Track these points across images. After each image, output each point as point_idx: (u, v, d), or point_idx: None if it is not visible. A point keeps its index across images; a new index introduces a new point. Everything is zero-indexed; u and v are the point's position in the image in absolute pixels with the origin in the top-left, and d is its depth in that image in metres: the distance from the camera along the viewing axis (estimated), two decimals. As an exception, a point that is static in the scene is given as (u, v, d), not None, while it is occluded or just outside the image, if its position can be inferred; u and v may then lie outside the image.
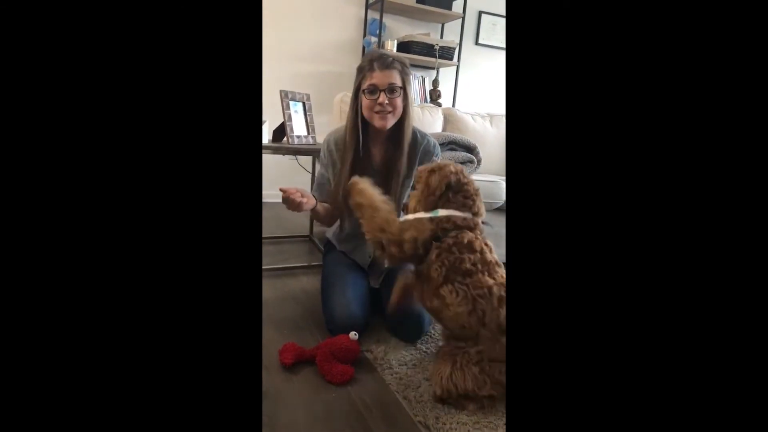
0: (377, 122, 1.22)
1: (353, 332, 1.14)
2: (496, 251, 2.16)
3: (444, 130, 2.34)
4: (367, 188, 1.07)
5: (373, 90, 1.19)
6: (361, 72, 1.22)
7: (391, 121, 1.23)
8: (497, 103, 3.69)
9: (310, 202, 1.21)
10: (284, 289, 1.60)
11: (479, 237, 1.01)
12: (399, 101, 1.21)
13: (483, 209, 1.06)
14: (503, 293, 0.95)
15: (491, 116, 2.49)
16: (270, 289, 1.58)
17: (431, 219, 1.00)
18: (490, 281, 0.96)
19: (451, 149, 2.02)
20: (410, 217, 1.03)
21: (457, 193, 1.03)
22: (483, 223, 1.07)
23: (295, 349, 1.11)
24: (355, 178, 1.12)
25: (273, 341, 1.19)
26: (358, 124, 1.25)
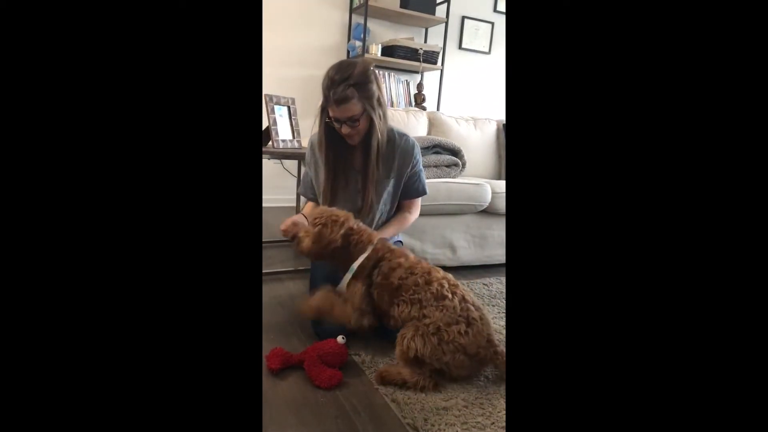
0: (347, 140, 1.30)
1: (341, 336, 1.14)
2: (480, 252, 2.17)
3: (429, 133, 2.36)
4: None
5: (336, 120, 1.24)
6: (324, 97, 1.23)
7: (357, 139, 1.29)
8: (481, 107, 3.73)
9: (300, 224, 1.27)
10: (270, 295, 1.59)
11: (392, 258, 1.18)
12: (361, 126, 1.25)
13: (371, 234, 1.22)
14: (428, 277, 1.12)
15: (475, 120, 2.52)
16: (256, 295, 1.57)
17: (354, 277, 1.17)
18: (412, 279, 1.12)
19: (436, 153, 2.04)
20: (343, 284, 1.19)
21: (350, 244, 1.18)
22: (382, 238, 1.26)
23: (282, 355, 1.10)
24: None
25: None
26: (323, 139, 1.31)
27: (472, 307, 1.07)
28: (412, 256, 1.19)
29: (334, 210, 1.22)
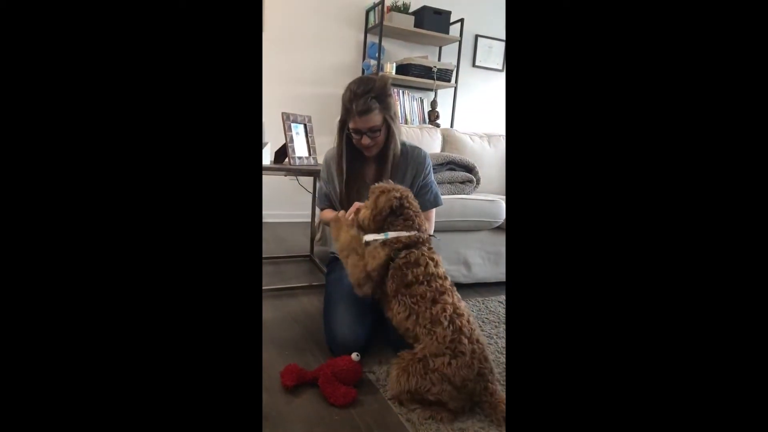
0: (365, 152, 1.36)
1: (355, 353, 1.14)
2: (495, 269, 2.14)
3: (443, 150, 2.37)
4: (346, 234, 1.21)
5: (357, 131, 1.29)
6: (345, 110, 1.28)
7: (375, 150, 1.35)
8: (494, 123, 3.74)
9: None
10: (285, 310, 1.60)
11: (425, 253, 1.15)
12: (381, 137, 1.31)
13: (426, 226, 1.21)
14: (437, 296, 1.08)
15: (489, 136, 2.53)
16: (270, 310, 1.58)
17: (384, 243, 1.15)
18: (423, 288, 1.09)
19: (451, 169, 2.05)
20: (369, 238, 1.17)
21: (399, 215, 1.17)
22: (431, 236, 1.24)
23: (296, 371, 1.10)
24: (339, 217, 1.25)
25: (274, 363, 1.19)
26: (343, 151, 1.35)
27: (465, 340, 1.02)
28: (443, 269, 1.15)
29: (394, 185, 1.21)
